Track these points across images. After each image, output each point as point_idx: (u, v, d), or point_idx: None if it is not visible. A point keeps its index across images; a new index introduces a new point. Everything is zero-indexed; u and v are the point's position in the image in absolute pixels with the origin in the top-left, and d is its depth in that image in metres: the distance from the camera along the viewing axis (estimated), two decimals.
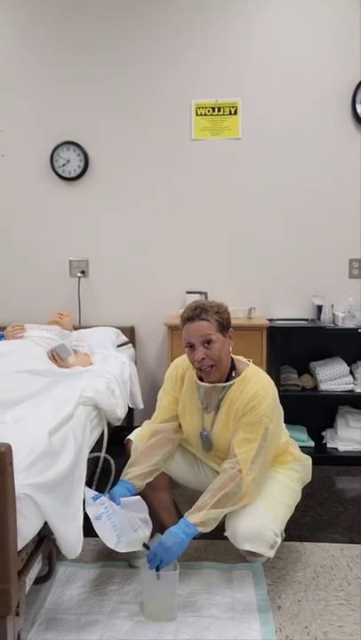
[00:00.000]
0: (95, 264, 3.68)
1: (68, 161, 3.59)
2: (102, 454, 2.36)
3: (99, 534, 1.85)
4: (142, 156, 3.58)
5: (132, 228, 3.63)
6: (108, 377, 2.71)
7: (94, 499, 1.90)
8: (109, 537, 1.86)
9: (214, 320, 2.00)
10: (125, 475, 2.10)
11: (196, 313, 2.01)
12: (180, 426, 2.23)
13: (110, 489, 2.09)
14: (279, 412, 2.15)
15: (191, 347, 2.03)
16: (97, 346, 3.22)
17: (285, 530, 2.06)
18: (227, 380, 2.08)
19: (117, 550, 1.88)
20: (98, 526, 1.85)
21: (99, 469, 2.38)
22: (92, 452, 2.22)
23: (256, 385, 2.04)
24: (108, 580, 2.09)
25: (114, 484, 2.27)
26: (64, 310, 3.45)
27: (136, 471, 2.09)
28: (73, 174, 3.60)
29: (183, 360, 2.19)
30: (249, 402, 2.01)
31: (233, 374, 2.09)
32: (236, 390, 2.06)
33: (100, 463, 2.37)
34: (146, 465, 2.11)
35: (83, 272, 3.68)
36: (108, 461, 2.39)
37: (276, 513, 2.01)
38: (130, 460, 2.18)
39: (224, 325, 2.03)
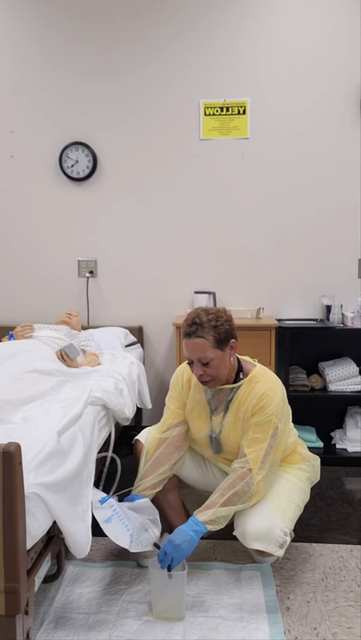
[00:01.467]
0: (103, 264, 3.69)
1: (77, 161, 3.60)
2: (109, 454, 2.36)
3: (110, 537, 1.84)
4: (151, 157, 3.58)
5: (141, 228, 3.63)
6: (116, 377, 2.72)
7: (102, 502, 1.89)
8: (122, 537, 1.86)
9: (211, 336, 1.96)
10: (136, 488, 2.12)
11: (192, 330, 1.97)
12: (188, 430, 2.22)
13: (116, 489, 2.09)
14: (288, 411, 2.15)
15: (191, 361, 2.03)
16: (105, 346, 3.23)
17: (294, 530, 2.06)
18: (234, 382, 2.08)
19: (131, 550, 1.88)
20: (108, 529, 1.85)
21: (106, 469, 2.39)
22: (100, 451, 2.22)
23: (265, 385, 2.04)
24: (116, 579, 2.10)
25: (120, 483, 2.28)
26: (73, 310, 3.47)
27: (146, 483, 2.11)
28: (82, 175, 3.61)
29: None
30: (258, 402, 2.01)
31: (240, 376, 2.08)
32: (244, 391, 2.06)
33: (108, 463, 2.37)
34: (153, 476, 2.12)
35: (91, 272, 3.68)
36: (115, 461, 2.39)
37: (286, 512, 2.01)
38: (139, 474, 2.18)
39: (222, 339, 1.97)
